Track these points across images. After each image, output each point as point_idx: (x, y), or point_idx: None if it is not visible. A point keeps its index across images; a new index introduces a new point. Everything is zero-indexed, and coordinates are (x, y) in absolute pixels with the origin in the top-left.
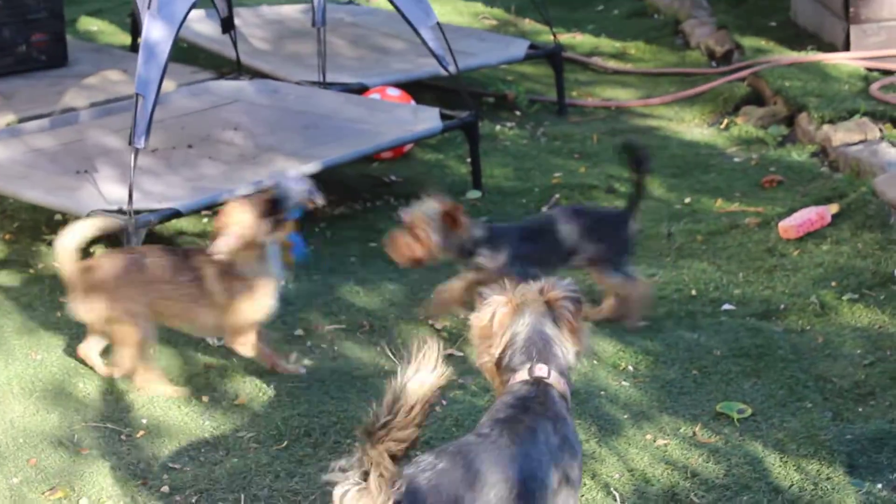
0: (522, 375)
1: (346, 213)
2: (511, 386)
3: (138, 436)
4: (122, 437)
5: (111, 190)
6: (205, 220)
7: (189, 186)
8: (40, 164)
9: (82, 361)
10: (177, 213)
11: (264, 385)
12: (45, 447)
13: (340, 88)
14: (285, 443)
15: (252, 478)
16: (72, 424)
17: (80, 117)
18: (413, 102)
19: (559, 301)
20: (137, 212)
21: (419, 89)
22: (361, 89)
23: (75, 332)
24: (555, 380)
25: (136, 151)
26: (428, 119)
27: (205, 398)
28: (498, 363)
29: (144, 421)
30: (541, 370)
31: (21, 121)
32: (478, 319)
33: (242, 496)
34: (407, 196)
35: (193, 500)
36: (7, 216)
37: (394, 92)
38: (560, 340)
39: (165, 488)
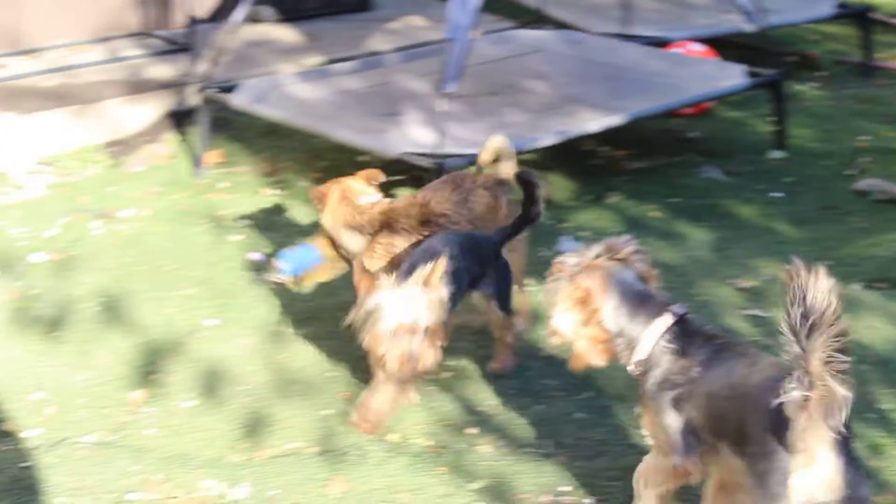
0: (654, 331)
1: (645, 167)
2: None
3: (444, 377)
4: (427, 378)
5: (418, 133)
6: None
7: (493, 133)
8: (349, 105)
9: None
10: None
11: None
12: (354, 382)
13: (642, 41)
14: (592, 393)
15: (558, 425)
16: None
17: (387, 61)
18: (717, 58)
19: (632, 256)
20: (446, 156)
21: (719, 46)
22: (662, 43)
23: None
24: (691, 318)
25: (446, 96)
26: (733, 75)
27: None
28: (604, 330)
29: (448, 363)
30: (671, 315)
31: (329, 62)
32: (566, 290)
33: (548, 443)
34: (708, 153)
35: (501, 444)
36: (315, 156)
37: (698, 47)
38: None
39: (473, 430)
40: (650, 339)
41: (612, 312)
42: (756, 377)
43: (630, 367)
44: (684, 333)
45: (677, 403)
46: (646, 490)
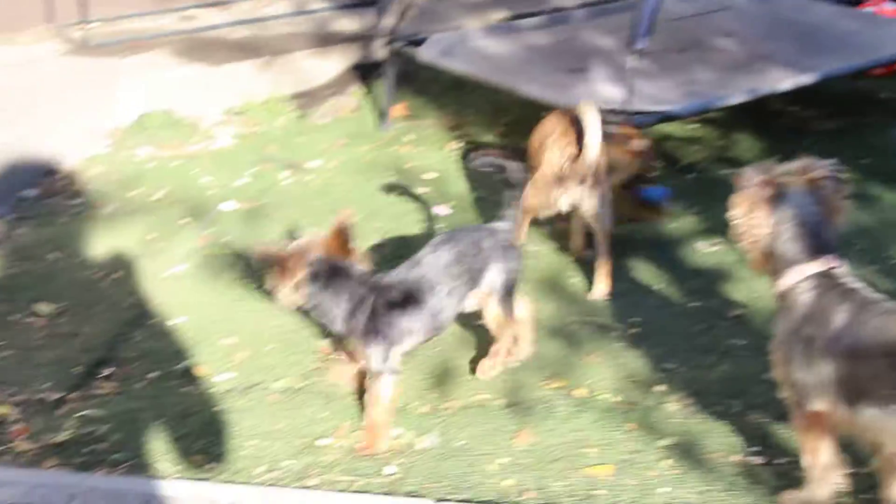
0: (803, 270)
1: (835, 128)
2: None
3: (630, 333)
4: (615, 333)
5: (604, 89)
6: (691, 126)
7: (681, 91)
8: (535, 60)
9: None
10: (671, 117)
11: (756, 296)
12: (541, 337)
13: (833, 0)
14: None
15: (747, 385)
16: (566, 317)
17: (573, 17)
18: None
19: (822, 181)
20: (634, 113)
21: None
22: (855, 2)
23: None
24: (842, 273)
25: (636, 52)
26: None
27: (696, 303)
28: (765, 252)
29: (634, 320)
30: (824, 263)
31: (514, 18)
32: (738, 203)
33: (737, 402)
34: None
35: (689, 402)
36: (500, 110)
37: (891, 6)
38: (827, 224)
39: (660, 387)
40: (792, 278)
41: (767, 232)
42: None
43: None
44: (829, 286)
45: (807, 355)
46: (806, 443)
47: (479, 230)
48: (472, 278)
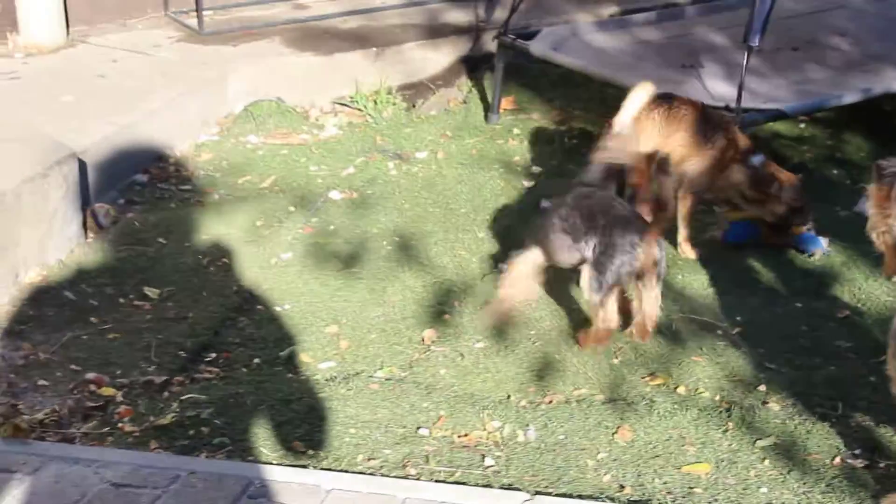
0: None
1: None
2: None
3: (734, 332)
4: (718, 331)
5: (715, 86)
6: (802, 125)
7: (794, 89)
8: (646, 55)
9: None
10: (782, 115)
11: (863, 298)
12: None
13: None
14: (883, 357)
15: (850, 388)
16: (670, 314)
17: (685, 13)
18: None
19: None
20: (745, 110)
21: None
22: None
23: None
24: None
25: (750, 49)
26: None
27: (799, 304)
28: (891, 238)
29: (738, 319)
30: None
31: (625, 13)
32: (872, 195)
33: (841, 404)
34: None
35: (790, 403)
36: (607, 105)
37: None
38: None
39: (761, 387)
40: None
41: None
42: None
43: None
44: None
45: None
46: None
47: None
48: None
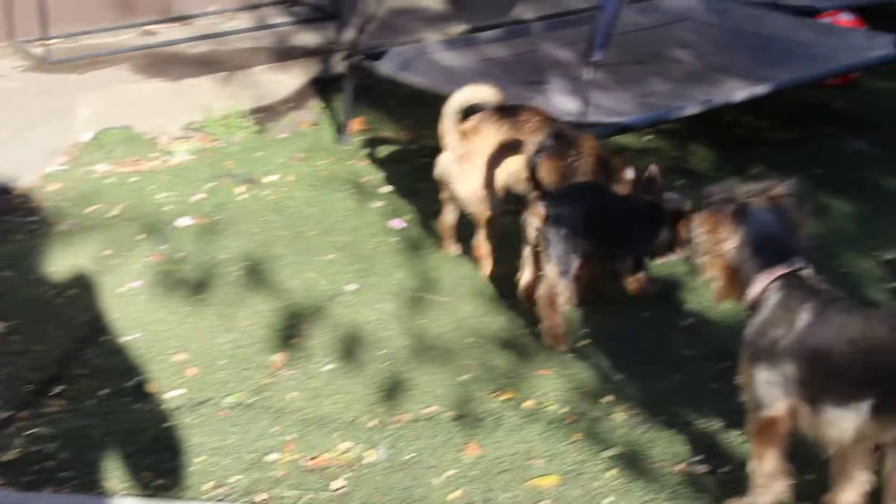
0: (770, 274)
1: (789, 138)
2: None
3: (581, 344)
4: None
5: (562, 101)
6: (646, 137)
7: (638, 102)
8: (494, 73)
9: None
10: (627, 128)
11: (707, 305)
12: (492, 348)
13: (791, 11)
14: (729, 363)
15: (694, 395)
16: (517, 329)
17: (532, 29)
18: (865, 28)
19: (783, 198)
20: (590, 124)
21: (870, 16)
22: (812, 12)
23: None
24: (808, 274)
25: (592, 65)
26: (882, 45)
27: (646, 313)
28: (732, 266)
29: (585, 331)
30: (790, 265)
31: (474, 30)
32: (703, 219)
33: (684, 411)
34: (854, 124)
35: (636, 412)
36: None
37: (847, 17)
38: (791, 233)
39: (608, 398)
40: (759, 285)
41: (735, 246)
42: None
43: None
44: (795, 286)
45: (772, 355)
46: (756, 448)
47: None
48: None
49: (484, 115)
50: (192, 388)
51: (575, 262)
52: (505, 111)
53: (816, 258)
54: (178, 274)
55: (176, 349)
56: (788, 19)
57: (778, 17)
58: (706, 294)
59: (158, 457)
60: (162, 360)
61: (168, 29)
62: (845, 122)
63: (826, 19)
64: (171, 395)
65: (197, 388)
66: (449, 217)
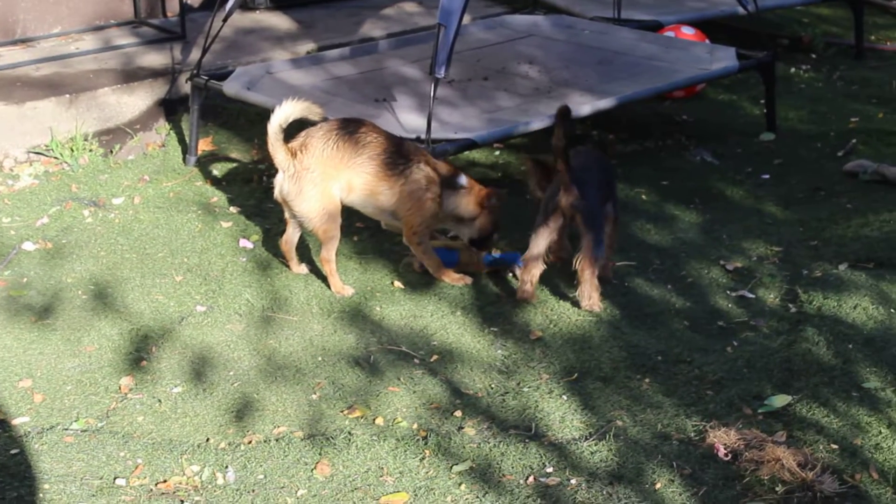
0: None
1: (636, 150)
2: None
3: (432, 360)
4: (416, 360)
5: (409, 119)
6: (497, 152)
7: (484, 118)
8: (341, 91)
9: (379, 284)
10: (472, 144)
11: (555, 318)
12: (342, 366)
13: (635, 25)
14: (575, 376)
15: (543, 408)
16: (368, 346)
17: (379, 47)
18: (707, 41)
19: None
20: (435, 141)
21: (711, 29)
22: (656, 27)
23: (372, 258)
24: None
25: (436, 81)
26: (724, 58)
27: (495, 328)
28: None
29: (437, 345)
30: None
31: (321, 49)
32: None
33: (534, 425)
34: (699, 135)
35: (486, 427)
36: None
37: (689, 30)
38: None
39: (458, 413)
40: None
41: None
42: None
43: None
44: None
45: None
46: None
47: None
48: None
49: (310, 132)
50: (39, 415)
51: None
52: (334, 126)
53: (664, 267)
54: (23, 299)
55: (21, 375)
56: (632, 34)
57: (622, 32)
58: (555, 307)
59: (3, 485)
60: (7, 386)
61: (11, 52)
62: (690, 134)
63: (669, 33)
64: (16, 422)
65: (43, 414)
66: (291, 236)
